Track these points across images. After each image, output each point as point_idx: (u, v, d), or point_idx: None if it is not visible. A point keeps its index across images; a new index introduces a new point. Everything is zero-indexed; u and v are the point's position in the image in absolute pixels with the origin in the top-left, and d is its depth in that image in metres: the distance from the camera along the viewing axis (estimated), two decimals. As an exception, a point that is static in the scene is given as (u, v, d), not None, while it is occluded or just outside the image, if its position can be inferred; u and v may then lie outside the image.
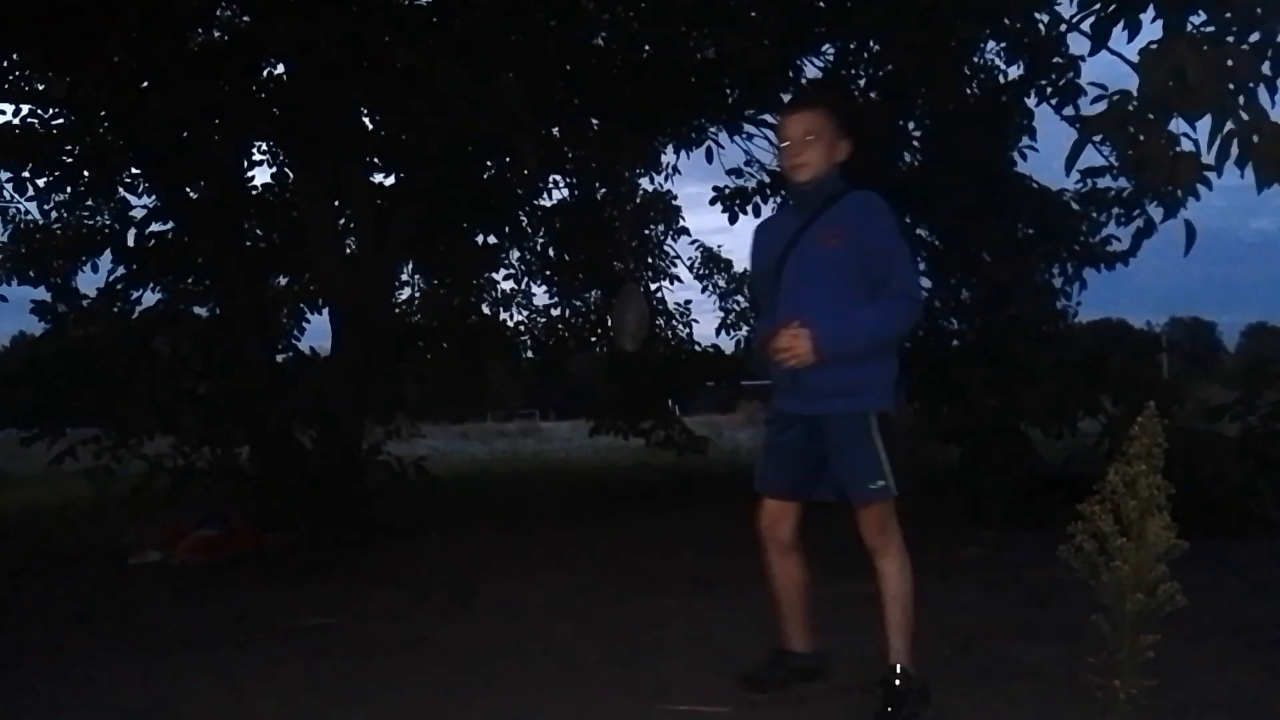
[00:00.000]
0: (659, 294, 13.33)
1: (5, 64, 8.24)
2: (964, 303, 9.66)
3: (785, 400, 3.28)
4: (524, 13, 7.58)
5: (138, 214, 9.59)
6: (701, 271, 13.82)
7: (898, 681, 3.15)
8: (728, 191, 10.05)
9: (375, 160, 9.00)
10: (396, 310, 11.34)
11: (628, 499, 10.39)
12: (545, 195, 11.98)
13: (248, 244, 9.47)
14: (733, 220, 9.82)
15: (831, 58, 9.67)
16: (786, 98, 9.94)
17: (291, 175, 9.56)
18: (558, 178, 11.67)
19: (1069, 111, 7.68)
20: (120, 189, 9.78)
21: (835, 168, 3.30)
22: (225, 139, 8.48)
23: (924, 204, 9.06)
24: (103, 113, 8.57)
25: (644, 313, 3.56)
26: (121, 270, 9.38)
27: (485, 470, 15.98)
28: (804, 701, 3.41)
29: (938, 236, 9.82)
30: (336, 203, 8.93)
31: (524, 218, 12.16)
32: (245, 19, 8.68)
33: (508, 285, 13.26)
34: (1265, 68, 4.54)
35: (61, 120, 8.81)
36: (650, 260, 13.34)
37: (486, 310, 12.97)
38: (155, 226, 9.32)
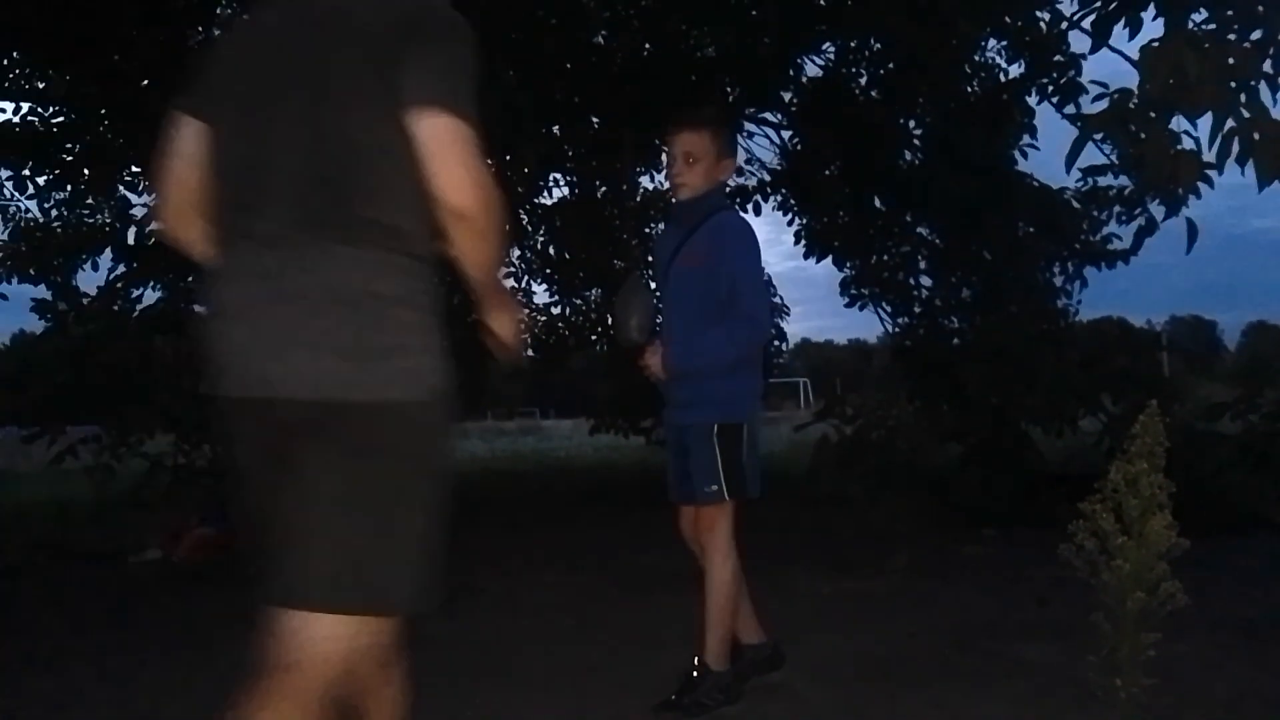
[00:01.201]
0: (659, 292, 13.30)
1: (6, 62, 8.25)
2: (964, 301, 9.66)
3: (665, 411, 3.57)
4: (525, 11, 7.58)
5: (138, 212, 9.58)
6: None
7: (695, 673, 3.32)
8: (728, 189, 10.04)
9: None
10: (397, 309, 11.34)
11: (628, 497, 10.39)
12: (545, 193, 11.98)
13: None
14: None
15: (832, 56, 9.68)
16: (787, 97, 9.98)
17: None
18: (558, 176, 11.67)
19: (1070, 109, 7.68)
20: (120, 187, 9.77)
21: (717, 185, 3.49)
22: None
23: (925, 202, 9.07)
24: (103, 111, 8.56)
25: (649, 303, 3.61)
26: (122, 268, 9.37)
27: (485, 468, 15.98)
28: (802, 697, 3.41)
29: (938, 235, 9.82)
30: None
31: (524, 216, 12.15)
32: (245, 18, 8.68)
33: (508, 283, 13.24)
34: (1266, 65, 4.54)
35: (62, 118, 8.81)
36: (650, 259, 13.33)
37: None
38: (155, 225, 9.31)
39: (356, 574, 1.80)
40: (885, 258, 10.13)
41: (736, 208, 3.71)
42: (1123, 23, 5.26)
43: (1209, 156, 4.52)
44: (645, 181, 12.55)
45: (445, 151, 1.80)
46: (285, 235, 1.82)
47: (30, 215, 10.29)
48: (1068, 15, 6.94)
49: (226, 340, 1.87)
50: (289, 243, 1.82)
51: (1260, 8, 4.56)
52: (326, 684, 1.83)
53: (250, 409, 1.85)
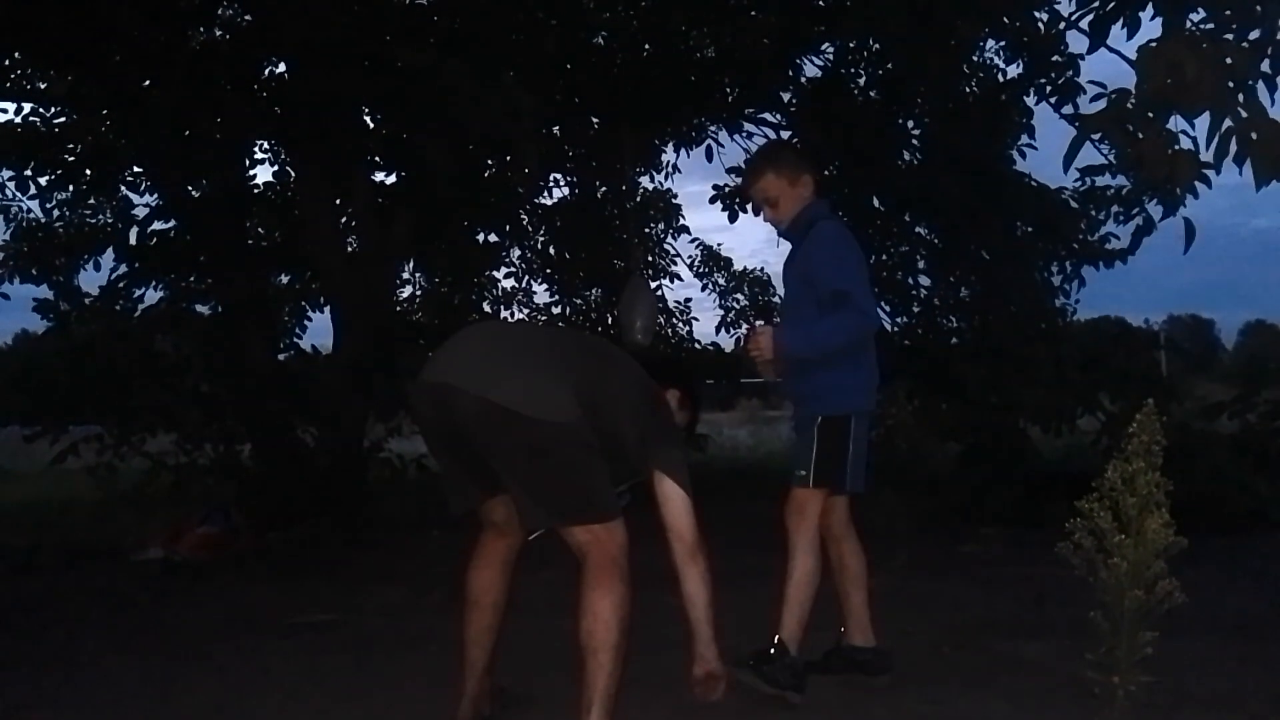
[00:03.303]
0: (659, 292, 13.34)
1: (7, 62, 8.25)
2: (963, 300, 9.67)
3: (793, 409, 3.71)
4: (525, 11, 7.59)
5: (140, 212, 9.59)
6: (701, 270, 13.81)
7: (773, 650, 3.38)
8: (728, 190, 10.05)
9: (376, 159, 9.00)
10: (398, 308, 11.33)
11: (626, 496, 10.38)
12: (546, 193, 11.98)
13: (249, 242, 9.47)
14: (733, 219, 9.81)
15: (831, 56, 9.69)
16: (786, 97, 9.99)
17: (293, 173, 9.57)
18: (558, 176, 11.67)
19: (1068, 109, 7.69)
20: (122, 187, 9.78)
21: (808, 200, 3.61)
22: (226, 137, 8.49)
23: (923, 202, 9.08)
24: (104, 111, 8.57)
25: (653, 305, 3.71)
26: (123, 268, 9.38)
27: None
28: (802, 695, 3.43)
29: (937, 235, 9.83)
30: (338, 201, 8.93)
31: (525, 216, 12.16)
32: (246, 17, 8.68)
33: (509, 283, 13.23)
34: (1264, 65, 4.55)
35: (63, 119, 8.82)
36: (650, 258, 13.34)
37: (488, 308, 12.94)
38: (157, 225, 9.32)
39: (571, 507, 2.91)
40: (884, 257, 10.13)
41: (835, 216, 3.76)
42: (1120, 23, 5.28)
43: (1207, 156, 4.54)
44: (645, 181, 12.59)
45: (677, 506, 3.23)
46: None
47: (32, 215, 10.28)
48: (1066, 15, 6.96)
49: (455, 352, 3.10)
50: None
51: (1258, 7, 4.57)
52: (608, 555, 2.86)
53: (445, 394, 2.92)
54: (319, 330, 11.01)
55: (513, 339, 3.28)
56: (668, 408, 3.40)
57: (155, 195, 9.40)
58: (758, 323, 3.84)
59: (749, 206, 3.72)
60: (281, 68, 8.84)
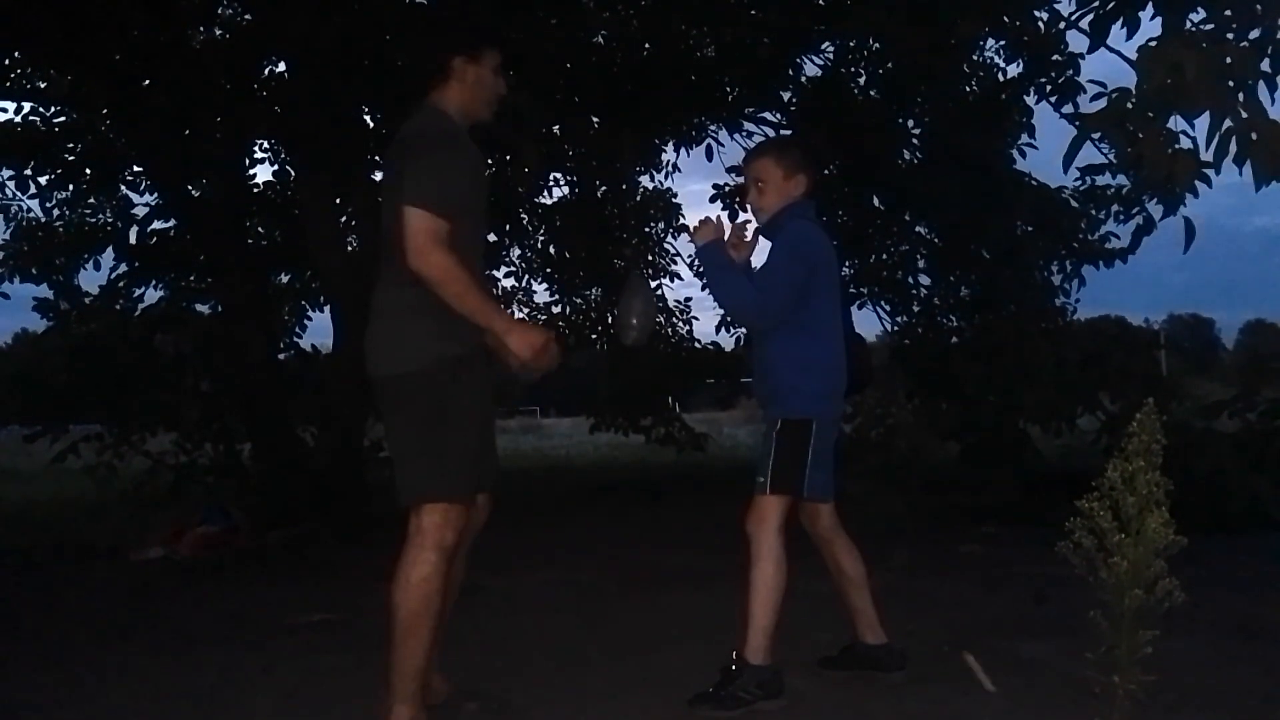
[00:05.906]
0: (659, 291, 13.35)
1: (7, 62, 8.27)
2: (963, 300, 9.69)
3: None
4: (525, 11, 7.59)
5: (139, 212, 9.64)
6: (702, 269, 13.82)
7: (733, 667, 3.32)
8: (728, 189, 10.07)
9: (376, 158, 9.01)
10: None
11: (627, 495, 10.41)
12: (546, 193, 12.01)
13: (249, 241, 9.48)
14: (733, 217, 9.80)
15: (831, 56, 9.70)
16: (786, 96, 10.01)
17: (293, 173, 9.58)
18: (558, 175, 11.70)
19: (1068, 109, 7.69)
20: (122, 187, 9.81)
21: (794, 199, 3.56)
22: (226, 137, 8.50)
23: (924, 201, 9.09)
24: (104, 111, 8.59)
25: (650, 305, 3.67)
26: (123, 268, 9.41)
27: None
28: (802, 695, 3.43)
29: (937, 234, 9.85)
30: (338, 200, 8.94)
31: (525, 215, 12.17)
32: (246, 17, 8.69)
33: (509, 283, 13.25)
34: (1264, 65, 4.55)
35: (63, 118, 8.84)
36: (650, 257, 13.35)
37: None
38: (157, 224, 9.36)
39: (406, 484, 2.91)
40: (884, 257, 10.16)
41: (813, 219, 3.67)
42: (1120, 22, 5.27)
43: (1207, 156, 4.53)
44: (645, 181, 12.60)
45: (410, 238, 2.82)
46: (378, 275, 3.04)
47: (32, 215, 10.32)
48: (1066, 15, 6.95)
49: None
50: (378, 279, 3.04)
51: (1258, 7, 4.57)
52: (434, 542, 2.88)
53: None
54: (319, 330, 11.06)
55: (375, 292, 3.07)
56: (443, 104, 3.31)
57: (155, 195, 9.42)
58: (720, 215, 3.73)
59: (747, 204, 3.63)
60: (281, 67, 8.85)
